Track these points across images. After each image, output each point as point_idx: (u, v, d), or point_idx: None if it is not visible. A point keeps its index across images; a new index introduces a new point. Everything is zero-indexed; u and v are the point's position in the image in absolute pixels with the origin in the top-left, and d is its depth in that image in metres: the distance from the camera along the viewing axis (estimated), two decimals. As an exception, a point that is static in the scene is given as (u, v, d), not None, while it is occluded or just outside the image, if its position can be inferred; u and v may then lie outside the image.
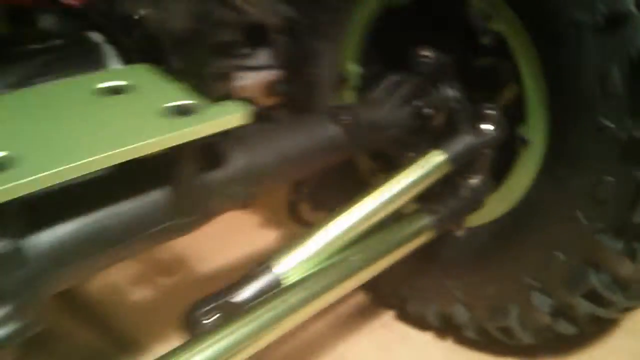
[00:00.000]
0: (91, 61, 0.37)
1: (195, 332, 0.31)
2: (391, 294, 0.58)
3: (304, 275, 0.34)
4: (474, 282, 0.51)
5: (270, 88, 0.54)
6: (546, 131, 0.44)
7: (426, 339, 0.57)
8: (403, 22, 0.51)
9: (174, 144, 0.30)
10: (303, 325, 0.57)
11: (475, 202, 0.46)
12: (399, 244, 0.41)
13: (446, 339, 0.57)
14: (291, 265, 0.34)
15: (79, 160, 0.27)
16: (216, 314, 0.31)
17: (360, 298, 0.62)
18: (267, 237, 0.72)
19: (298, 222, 0.74)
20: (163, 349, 0.31)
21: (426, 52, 0.49)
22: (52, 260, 0.31)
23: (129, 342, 0.56)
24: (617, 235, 0.42)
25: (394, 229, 0.42)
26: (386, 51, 0.52)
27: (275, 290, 0.33)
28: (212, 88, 0.34)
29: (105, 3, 0.38)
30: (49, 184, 0.26)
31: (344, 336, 0.57)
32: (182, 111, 0.32)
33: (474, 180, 0.46)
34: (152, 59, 0.36)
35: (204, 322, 0.31)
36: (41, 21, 0.39)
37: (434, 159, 0.44)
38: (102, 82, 0.33)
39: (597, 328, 0.48)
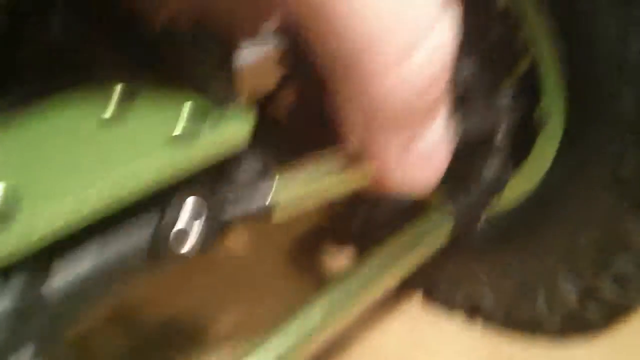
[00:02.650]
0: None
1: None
2: (418, 276, 0.57)
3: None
4: (499, 265, 0.49)
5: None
6: (565, 108, 0.42)
7: (454, 321, 0.56)
8: None
9: (183, 172, 0.28)
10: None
11: (496, 189, 0.44)
12: (416, 248, 0.40)
13: (475, 320, 0.55)
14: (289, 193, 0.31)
15: (81, 211, 0.26)
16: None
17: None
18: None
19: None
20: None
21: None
22: (67, 303, 0.31)
23: (159, 343, 0.56)
24: (645, 215, 0.40)
25: (409, 232, 0.40)
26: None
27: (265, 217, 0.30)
28: (217, 92, 0.31)
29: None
30: (52, 240, 0.25)
31: (371, 319, 0.57)
32: (190, 131, 0.30)
33: (494, 163, 0.44)
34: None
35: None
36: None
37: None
38: (105, 105, 0.31)
39: (626, 313, 0.46)
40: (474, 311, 0.54)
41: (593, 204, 0.42)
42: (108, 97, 0.32)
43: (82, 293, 0.31)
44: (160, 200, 0.31)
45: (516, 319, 0.51)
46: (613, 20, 0.37)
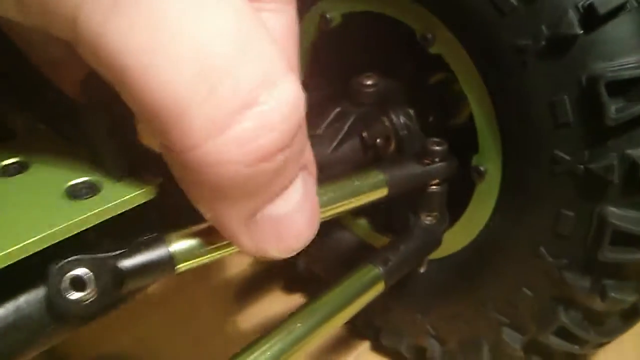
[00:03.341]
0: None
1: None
2: (365, 325, 0.55)
3: None
4: (443, 315, 0.48)
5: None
6: (501, 162, 0.40)
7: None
8: (341, 48, 0.47)
9: (78, 230, 0.27)
10: None
11: (431, 242, 0.43)
12: (346, 304, 0.38)
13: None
14: (188, 247, 0.30)
15: None
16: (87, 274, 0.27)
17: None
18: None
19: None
20: None
21: (369, 81, 0.44)
22: None
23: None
24: (584, 272, 0.39)
25: (340, 287, 0.38)
26: (327, 80, 0.48)
27: (165, 270, 0.29)
28: (114, 161, 0.30)
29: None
30: None
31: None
32: (86, 190, 0.29)
33: (429, 218, 0.42)
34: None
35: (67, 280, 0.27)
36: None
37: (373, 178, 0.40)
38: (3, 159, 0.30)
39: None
40: (420, 359, 0.53)
41: (533, 260, 0.40)
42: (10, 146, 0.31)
43: None
44: (56, 255, 0.29)
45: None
46: (544, 75, 0.36)
